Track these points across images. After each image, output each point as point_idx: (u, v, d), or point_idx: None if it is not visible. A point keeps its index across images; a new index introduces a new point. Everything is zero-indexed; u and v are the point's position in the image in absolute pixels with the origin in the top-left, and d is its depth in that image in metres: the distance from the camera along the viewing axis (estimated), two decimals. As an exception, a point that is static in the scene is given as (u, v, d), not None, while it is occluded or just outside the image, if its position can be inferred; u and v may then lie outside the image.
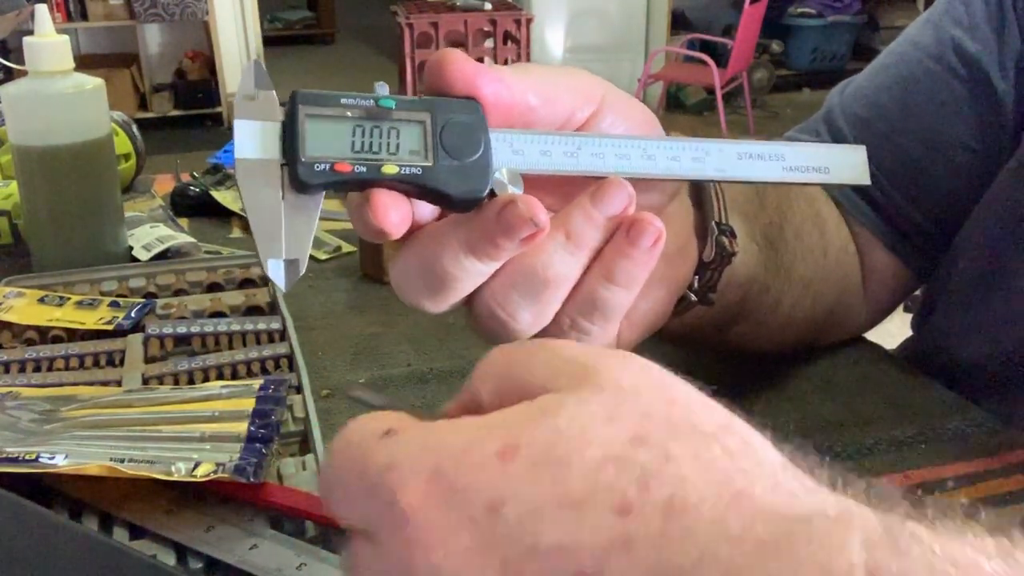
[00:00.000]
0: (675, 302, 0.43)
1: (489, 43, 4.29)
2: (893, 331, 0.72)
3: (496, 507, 0.23)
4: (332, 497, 0.27)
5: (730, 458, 0.23)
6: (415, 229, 0.35)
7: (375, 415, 0.27)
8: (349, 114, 0.33)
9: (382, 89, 0.34)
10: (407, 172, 0.32)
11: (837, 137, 0.63)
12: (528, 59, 4.32)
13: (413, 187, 0.33)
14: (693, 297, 0.44)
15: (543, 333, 0.37)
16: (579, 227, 0.35)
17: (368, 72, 5.76)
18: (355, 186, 0.33)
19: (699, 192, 0.45)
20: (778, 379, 0.61)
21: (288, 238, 0.32)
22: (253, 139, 0.32)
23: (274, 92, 0.33)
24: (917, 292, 0.69)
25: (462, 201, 0.34)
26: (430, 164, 0.33)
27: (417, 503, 0.23)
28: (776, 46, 5.44)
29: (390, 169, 0.32)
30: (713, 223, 0.44)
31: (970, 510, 0.23)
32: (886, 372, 0.62)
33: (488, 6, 4.31)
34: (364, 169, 0.32)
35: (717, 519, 0.22)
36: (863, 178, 0.40)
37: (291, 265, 0.32)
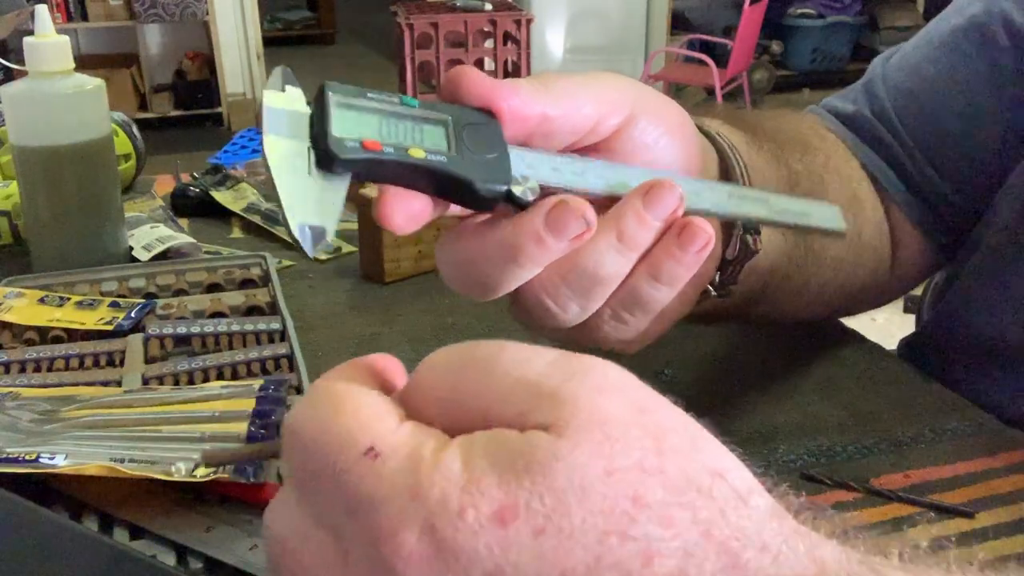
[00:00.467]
0: (695, 300, 0.44)
1: (489, 43, 4.30)
2: (893, 331, 0.72)
3: None
4: (294, 467, 0.26)
5: (725, 518, 0.23)
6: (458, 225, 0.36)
7: (352, 409, 0.25)
8: (375, 106, 0.34)
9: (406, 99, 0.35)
10: (433, 158, 0.33)
11: (874, 106, 0.63)
12: (528, 60, 4.32)
13: (438, 175, 0.33)
14: (713, 292, 0.45)
15: (584, 322, 0.38)
16: (631, 229, 0.35)
17: (368, 72, 5.76)
18: (381, 167, 0.33)
19: (728, 180, 0.46)
20: (778, 379, 0.61)
21: (318, 211, 0.32)
22: (281, 122, 0.33)
23: (300, 90, 0.34)
24: (916, 292, 0.69)
25: (484, 192, 0.34)
26: (455, 154, 0.33)
27: (406, 557, 0.23)
28: (776, 47, 5.43)
29: (417, 152, 0.33)
30: (739, 223, 0.45)
31: (935, 546, 0.24)
32: (886, 372, 0.62)
33: (488, 6, 4.31)
34: (392, 150, 0.32)
35: None
36: (840, 226, 0.42)
37: (317, 231, 0.32)
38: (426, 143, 0.33)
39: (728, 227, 0.45)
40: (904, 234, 0.63)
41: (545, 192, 0.35)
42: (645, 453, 0.23)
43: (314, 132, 0.33)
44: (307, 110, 0.34)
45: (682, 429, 0.25)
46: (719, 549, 0.23)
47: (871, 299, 0.64)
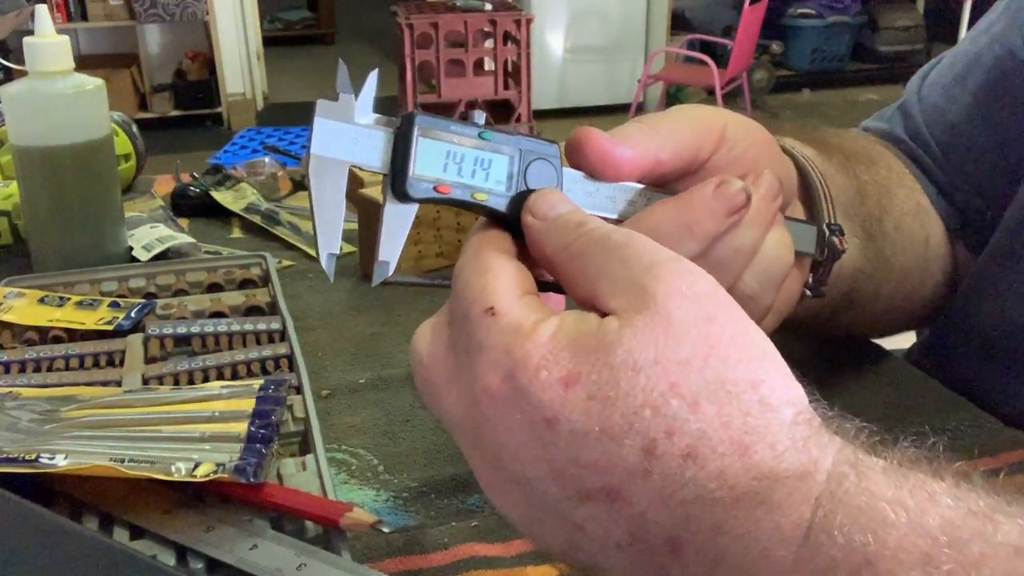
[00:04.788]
0: (799, 296, 0.47)
1: (489, 43, 4.30)
2: (886, 336, 0.72)
3: (552, 423, 0.29)
4: (451, 301, 0.34)
5: (744, 417, 0.28)
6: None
7: (493, 271, 0.33)
8: (455, 140, 0.36)
9: (480, 119, 0.38)
10: (493, 203, 0.37)
11: (908, 125, 0.64)
12: (528, 59, 4.32)
13: (495, 213, 0.37)
14: (808, 292, 0.48)
15: None
16: (762, 204, 0.40)
17: (368, 72, 5.69)
18: (449, 204, 0.37)
19: (808, 193, 0.48)
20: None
21: (384, 241, 0.37)
22: (329, 138, 0.35)
23: (353, 96, 0.36)
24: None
25: None
26: (513, 195, 0.37)
27: (490, 392, 0.30)
28: (776, 47, 5.44)
29: (481, 196, 0.37)
30: (824, 225, 0.47)
31: (924, 456, 0.29)
32: (886, 372, 0.62)
33: (488, 6, 4.31)
34: (460, 193, 0.36)
35: (717, 472, 0.27)
36: (809, 249, 0.46)
37: (382, 266, 0.37)
38: (490, 179, 0.37)
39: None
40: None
41: None
42: (694, 354, 0.28)
43: (396, 165, 0.36)
44: (353, 121, 0.36)
45: (740, 344, 0.29)
46: (732, 439, 0.27)
47: (941, 309, 0.65)
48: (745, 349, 0.29)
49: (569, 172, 0.38)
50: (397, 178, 0.36)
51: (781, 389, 0.29)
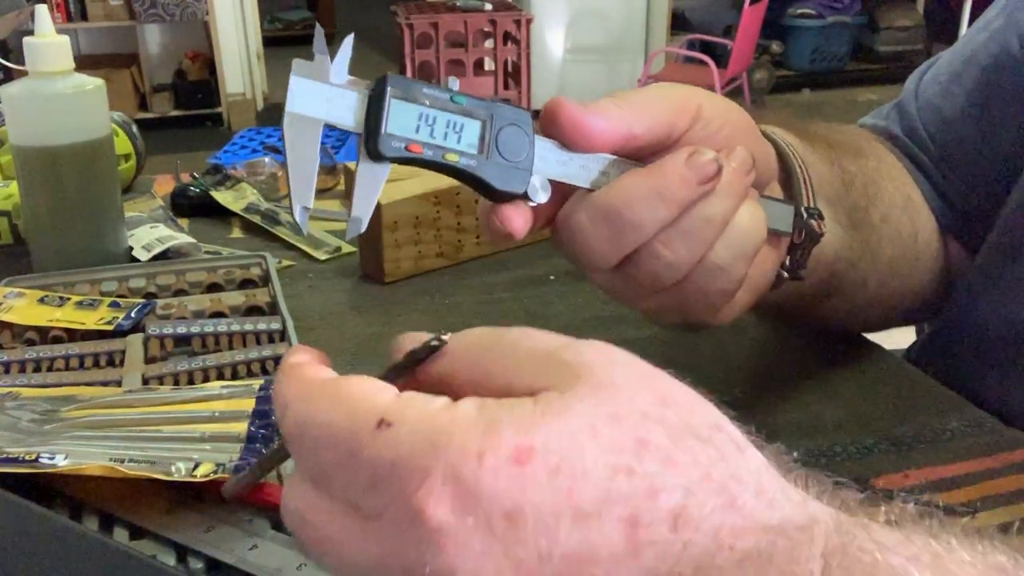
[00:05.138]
0: (775, 276, 0.48)
1: (489, 43, 4.29)
2: (892, 332, 0.72)
3: (513, 516, 0.24)
4: (308, 464, 0.27)
5: (724, 463, 0.25)
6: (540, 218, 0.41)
7: (348, 394, 0.27)
8: (427, 103, 0.37)
9: (454, 84, 0.39)
10: (464, 164, 0.38)
11: (904, 123, 0.65)
12: (528, 60, 4.32)
13: (466, 175, 0.38)
14: (785, 275, 0.48)
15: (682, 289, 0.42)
16: (733, 177, 0.40)
17: (368, 72, 5.70)
18: (419, 164, 0.38)
19: (788, 177, 0.49)
20: (778, 379, 0.61)
21: (357, 199, 0.37)
22: (305, 97, 0.37)
23: (328, 57, 0.37)
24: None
25: (502, 194, 0.39)
26: (484, 158, 0.38)
27: (434, 505, 0.24)
28: (776, 47, 5.43)
29: (452, 157, 0.38)
30: (803, 208, 0.48)
31: (924, 511, 0.26)
32: (886, 372, 0.62)
33: (488, 6, 4.31)
34: (431, 153, 0.37)
35: (714, 531, 0.24)
36: (786, 228, 0.47)
37: (355, 222, 0.38)
38: (462, 142, 0.38)
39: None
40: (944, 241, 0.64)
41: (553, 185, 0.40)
42: (650, 405, 0.25)
43: (370, 124, 0.37)
44: (328, 80, 0.37)
45: (684, 392, 0.27)
46: (718, 489, 0.24)
47: (932, 304, 0.65)
48: (691, 395, 0.27)
49: (541, 140, 0.39)
50: (370, 137, 0.37)
51: (737, 430, 0.26)
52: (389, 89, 0.37)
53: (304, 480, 0.27)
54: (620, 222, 0.39)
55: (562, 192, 0.41)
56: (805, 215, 0.47)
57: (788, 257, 0.48)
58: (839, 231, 0.53)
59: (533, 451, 0.24)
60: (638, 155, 0.41)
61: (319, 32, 0.37)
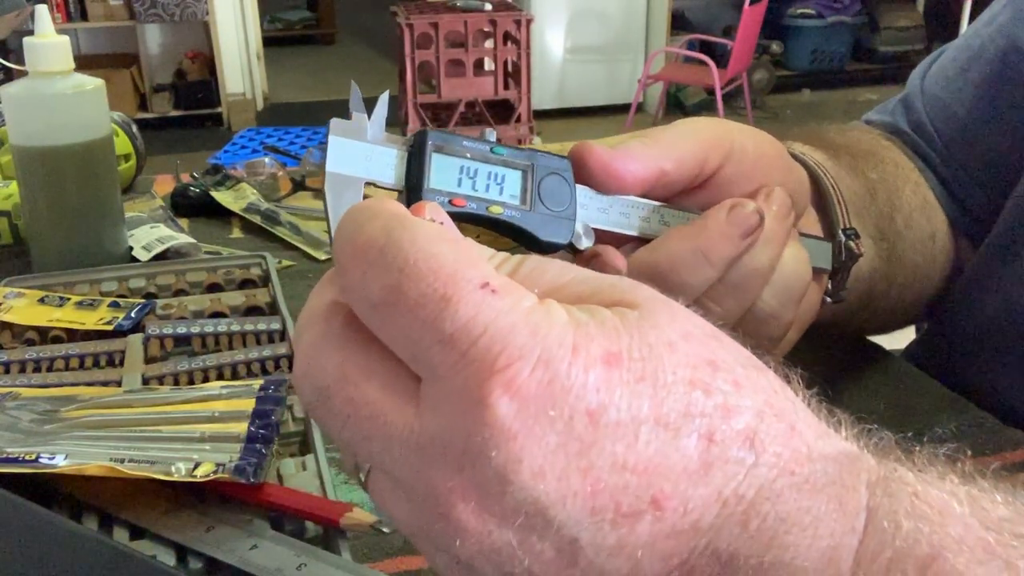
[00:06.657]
0: (819, 306, 0.47)
1: (489, 43, 4.29)
2: (892, 332, 0.72)
3: (597, 416, 0.23)
4: (375, 282, 0.25)
5: (782, 392, 0.26)
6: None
7: (463, 243, 0.25)
8: (468, 155, 0.37)
9: (491, 136, 0.38)
10: (508, 216, 0.37)
11: (911, 119, 0.64)
12: (528, 60, 4.31)
13: (511, 227, 0.37)
14: (828, 300, 0.48)
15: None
16: (775, 223, 0.40)
17: (368, 72, 5.76)
18: (463, 219, 0.36)
19: (821, 198, 0.49)
20: (778, 379, 0.61)
21: None
22: (343, 156, 0.36)
23: (365, 115, 0.36)
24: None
25: (547, 245, 0.38)
26: (527, 209, 0.37)
27: (516, 388, 0.23)
28: (776, 47, 5.43)
29: (495, 209, 0.37)
30: (840, 230, 0.48)
31: (952, 458, 0.26)
32: (886, 372, 0.62)
33: (488, 6, 4.31)
34: (475, 206, 0.36)
35: (777, 455, 0.24)
36: (826, 265, 0.47)
37: None
38: (504, 193, 0.37)
39: (828, 233, 0.49)
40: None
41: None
42: (712, 332, 0.26)
43: (411, 180, 0.36)
44: (366, 139, 0.36)
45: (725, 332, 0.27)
46: (780, 414, 0.25)
47: (938, 304, 0.65)
48: (729, 338, 0.27)
49: (581, 188, 0.39)
50: (412, 194, 0.36)
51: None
52: (429, 143, 0.36)
53: (328, 331, 0.26)
54: (667, 285, 0.38)
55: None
56: (843, 237, 0.47)
57: (829, 282, 0.48)
58: (870, 243, 0.53)
59: (621, 356, 0.23)
60: (672, 193, 0.41)
61: (355, 90, 0.36)
